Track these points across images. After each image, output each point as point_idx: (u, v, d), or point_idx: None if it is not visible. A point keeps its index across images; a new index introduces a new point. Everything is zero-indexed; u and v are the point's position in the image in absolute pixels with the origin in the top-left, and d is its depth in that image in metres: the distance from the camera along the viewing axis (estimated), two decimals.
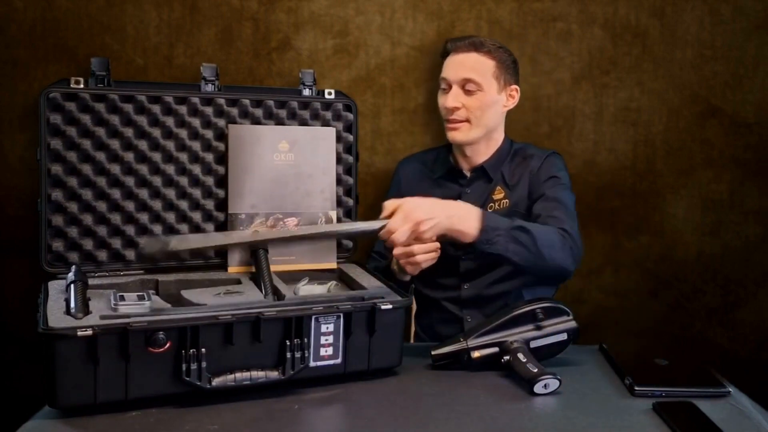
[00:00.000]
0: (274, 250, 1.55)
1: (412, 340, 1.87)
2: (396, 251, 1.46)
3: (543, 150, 1.73)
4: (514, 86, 1.69)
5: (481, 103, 1.63)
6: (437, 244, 1.48)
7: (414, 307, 1.85)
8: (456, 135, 1.66)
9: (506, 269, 1.64)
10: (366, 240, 1.89)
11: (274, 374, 1.25)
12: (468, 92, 1.63)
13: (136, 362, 1.17)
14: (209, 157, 1.57)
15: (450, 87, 1.64)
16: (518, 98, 1.71)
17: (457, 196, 1.68)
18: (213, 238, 1.53)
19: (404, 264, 1.49)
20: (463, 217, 1.41)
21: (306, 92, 1.67)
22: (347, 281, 1.56)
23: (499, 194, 1.67)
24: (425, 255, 1.47)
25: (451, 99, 1.63)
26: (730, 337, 2.05)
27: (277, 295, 1.39)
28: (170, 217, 1.55)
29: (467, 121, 1.64)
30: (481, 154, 1.71)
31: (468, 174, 1.72)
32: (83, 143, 1.48)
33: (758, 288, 2.04)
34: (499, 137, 1.73)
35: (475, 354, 1.36)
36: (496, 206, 1.66)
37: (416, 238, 1.38)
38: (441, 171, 1.75)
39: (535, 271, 1.49)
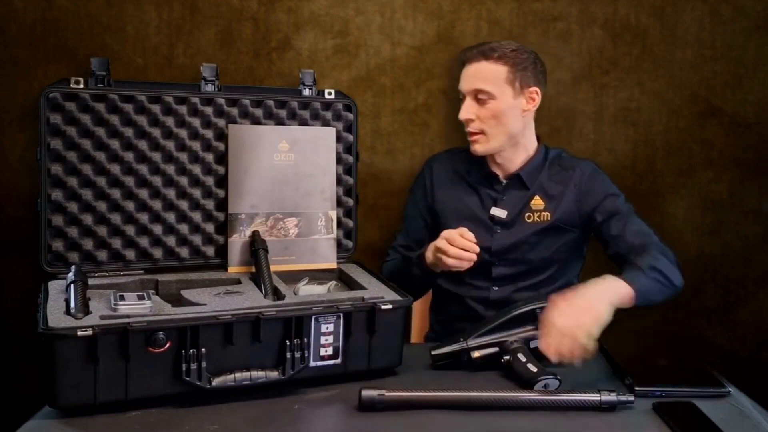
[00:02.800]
0: (274, 250, 1.55)
1: (419, 339, 1.86)
2: (450, 250, 1.47)
3: (579, 160, 1.69)
4: (534, 88, 1.61)
5: (493, 112, 1.59)
6: (477, 248, 1.48)
7: (423, 305, 1.85)
8: (476, 147, 1.62)
9: (537, 278, 1.64)
10: (366, 239, 1.89)
11: (274, 374, 1.25)
12: (481, 102, 1.59)
13: (136, 362, 1.17)
14: (209, 157, 1.57)
15: (464, 98, 1.61)
16: (539, 100, 1.63)
17: (492, 203, 1.66)
18: None
19: (443, 258, 1.48)
20: (612, 292, 1.36)
21: (306, 92, 1.66)
22: (347, 281, 1.56)
23: (537, 204, 1.64)
24: (467, 256, 1.47)
25: (463, 111, 1.60)
26: (729, 337, 2.05)
27: (277, 295, 1.39)
28: (170, 217, 1.55)
29: (482, 132, 1.60)
30: (514, 161, 1.66)
31: (503, 181, 1.67)
32: (83, 143, 1.47)
33: (758, 288, 2.04)
34: (528, 143, 1.67)
35: (475, 354, 1.36)
36: (536, 217, 1.63)
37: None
38: (477, 175, 1.70)
39: (669, 300, 1.51)
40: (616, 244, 1.56)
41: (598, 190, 1.63)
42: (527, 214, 1.63)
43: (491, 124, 1.60)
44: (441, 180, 1.74)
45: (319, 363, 1.30)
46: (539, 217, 1.63)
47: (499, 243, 1.63)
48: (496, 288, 1.66)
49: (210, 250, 1.58)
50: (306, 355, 1.27)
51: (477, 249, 1.48)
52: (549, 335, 1.26)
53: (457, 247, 1.47)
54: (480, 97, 1.58)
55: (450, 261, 1.48)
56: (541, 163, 1.67)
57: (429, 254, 1.55)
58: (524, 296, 1.62)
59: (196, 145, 1.56)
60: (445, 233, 1.49)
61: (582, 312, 1.28)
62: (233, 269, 1.55)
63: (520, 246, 1.63)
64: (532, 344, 1.37)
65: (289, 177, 1.59)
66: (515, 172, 1.66)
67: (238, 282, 1.49)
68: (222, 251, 1.57)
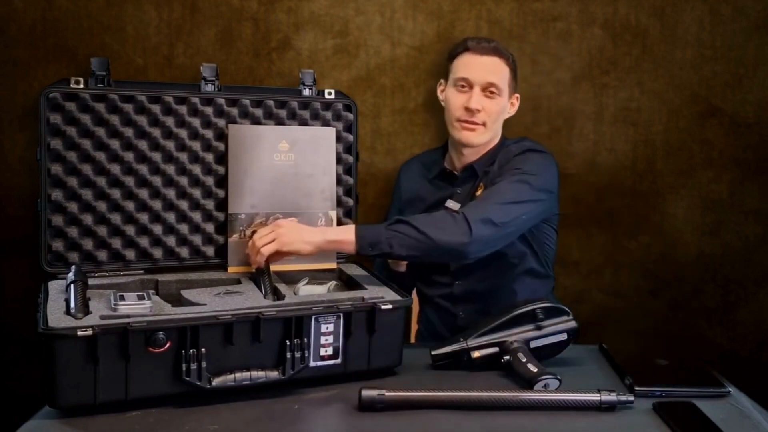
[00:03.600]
0: None
1: (413, 340, 1.87)
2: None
3: (525, 144, 1.67)
4: (517, 95, 1.72)
5: (499, 107, 1.64)
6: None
7: (416, 308, 1.86)
8: (471, 137, 1.64)
9: (496, 265, 1.63)
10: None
11: (274, 374, 1.25)
12: (489, 96, 1.62)
13: (136, 362, 1.17)
14: (209, 157, 1.57)
15: (470, 87, 1.63)
16: (518, 106, 1.73)
17: (449, 196, 1.69)
18: None
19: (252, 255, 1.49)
20: (339, 241, 1.45)
21: (306, 92, 1.66)
22: (347, 281, 1.56)
23: (480, 191, 1.65)
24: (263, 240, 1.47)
25: (475, 100, 1.61)
26: (729, 337, 2.05)
27: (277, 295, 1.39)
28: (170, 217, 1.55)
29: (483, 124, 1.63)
30: (476, 154, 1.70)
31: (460, 174, 1.72)
32: (83, 143, 1.47)
33: (758, 288, 2.04)
34: (494, 142, 1.71)
35: (475, 354, 1.36)
36: None
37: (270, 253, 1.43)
38: (435, 172, 1.76)
39: (433, 257, 1.49)
40: None
41: (511, 164, 1.61)
42: None
43: (493, 119, 1.65)
44: (408, 181, 1.80)
45: (319, 363, 1.30)
46: None
47: None
48: (458, 282, 1.68)
49: (210, 250, 1.58)
50: (306, 355, 1.27)
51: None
52: (262, 232, 1.43)
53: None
54: (491, 90, 1.62)
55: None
56: (495, 154, 1.69)
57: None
58: (486, 287, 1.65)
59: (196, 145, 1.56)
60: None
61: (295, 231, 1.45)
62: (233, 269, 1.55)
63: None
64: (532, 344, 1.37)
65: (289, 177, 1.59)
66: (470, 164, 1.70)
67: (238, 282, 1.49)
68: (222, 251, 1.57)
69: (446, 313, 1.71)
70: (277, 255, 1.44)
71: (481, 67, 1.63)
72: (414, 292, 1.84)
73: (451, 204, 1.67)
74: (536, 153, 1.64)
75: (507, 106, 1.68)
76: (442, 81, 1.74)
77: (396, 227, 1.44)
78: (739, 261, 2.03)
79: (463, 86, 1.64)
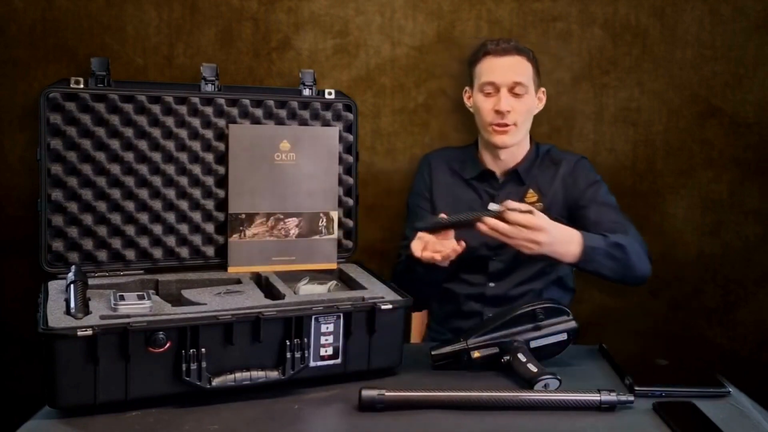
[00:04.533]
0: (274, 251, 1.55)
1: (413, 340, 1.87)
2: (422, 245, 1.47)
3: (568, 153, 1.75)
4: (542, 89, 1.73)
5: (527, 106, 1.65)
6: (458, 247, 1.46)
7: (419, 324, 1.86)
8: (506, 138, 1.65)
9: (533, 271, 1.67)
10: (366, 239, 1.89)
11: (274, 374, 1.25)
12: (516, 95, 1.63)
13: (136, 362, 1.17)
14: (209, 157, 1.57)
15: (497, 90, 1.63)
16: (545, 100, 1.73)
17: (489, 199, 1.68)
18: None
19: (430, 255, 1.46)
20: (565, 241, 1.44)
21: (306, 92, 1.66)
22: (347, 281, 1.56)
23: (531, 198, 1.67)
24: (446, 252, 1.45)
25: (505, 102, 1.61)
26: (730, 337, 2.05)
27: (277, 294, 1.39)
28: (170, 217, 1.55)
29: (515, 125, 1.64)
30: (514, 157, 1.71)
31: (501, 177, 1.72)
32: (83, 143, 1.47)
33: (758, 288, 2.04)
34: (527, 140, 1.73)
35: (475, 354, 1.36)
36: None
37: (508, 243, 1.41)
38: (473, 173, 1.74)
39: (622, 282, 1.55)
40: (597, 229, 1.56)
41: (582, 178, 1.67)
42: None
43: (523, 118, 1.66)
44: (438, 176, 1.77)
45: (319, 363, 1.30)
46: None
47: None
48: (492, 284, 1.69)
49: (210, 250, 1.58)
50: (306, 355, 1.27)
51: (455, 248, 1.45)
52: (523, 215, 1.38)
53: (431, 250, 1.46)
54: (517, 90, 1.63)
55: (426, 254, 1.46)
56: (533, 158, 1.72)
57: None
58: (517, 292, 1.66)
59: (196, 145, 1.56)
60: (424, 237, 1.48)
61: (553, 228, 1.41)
62: (233, 269, 1.55)
63: None
64: (532, 344, 1.37)
65: (290, 177, 1.59)
66: (512, 168, 1.71)
67: (238, 282, 1.49)
68: (222, 251, 1.57)
69: (471, 313, 1.70)
70: None
71: (505, 69, 1.63)
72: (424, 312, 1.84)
73: (494, 207, 1.64)
74: (586, 160, 1.74)
75: (535, 102, 1.69)
76: (467, 88, 1.74)
77: (614, 251, 1.47)
78: (739, 261, 2.03)
79: (489, 91, 1.64)
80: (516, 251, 1.60)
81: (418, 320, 1.90)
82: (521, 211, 1.39)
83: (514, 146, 1.69)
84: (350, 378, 1.32)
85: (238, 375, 1.22)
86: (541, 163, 1.72)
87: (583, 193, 1.66)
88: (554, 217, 1.59)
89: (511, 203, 1.41)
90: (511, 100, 1.63)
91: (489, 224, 1.39)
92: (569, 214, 1.66)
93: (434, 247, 1.46)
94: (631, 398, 1.21)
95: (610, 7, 1.94)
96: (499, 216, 1.40)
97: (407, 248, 1.67)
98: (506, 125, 1.63)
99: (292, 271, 1.56)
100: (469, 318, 1.70)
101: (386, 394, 1.18)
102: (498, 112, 1.63)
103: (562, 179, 1.68)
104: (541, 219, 1.40)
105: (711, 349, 2.02)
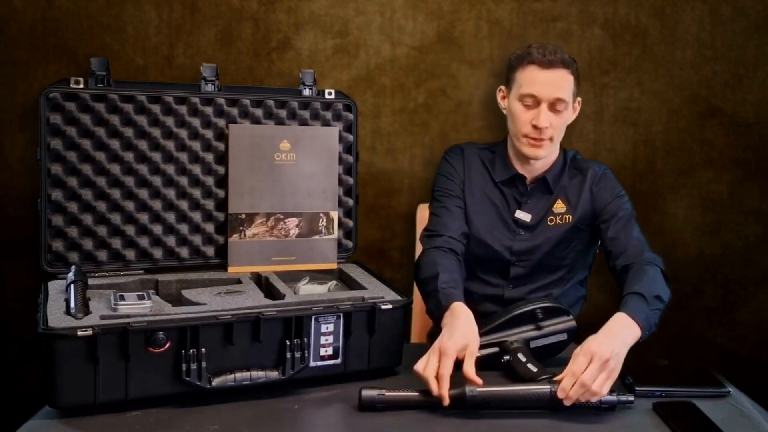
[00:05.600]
0: (274, 251, 1.55)
1: (412, 340, 1.86)
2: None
3: (593, 163, 1.69)
4: (579, 98, 1.64)
5: (564, 121, 1.59)
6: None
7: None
8: (539, 153, 1.59)
9: (552, 278, 1.65)
10: (366, 239, 1.89)
11: (274, 374, 1.25)
12: (556, 111, 1.56)
13: (136, 362, 1.17)
14: (209, 157, 1.57)
15: (537, 104, 1.55)
16: (579, 109, 1.65)
17: (516, 205, 1.64)
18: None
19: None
20: (629, 334, 1.31)
21: (306, 92, 1.66)
22: (347, 281, 1.56)
23: (560, 207, 1.64)
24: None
25: (544, 118, 1.54)
26: (730, 337, 2.05)
27: (277, 294, 1.39)
28: (170, 217, 1.55)
29: (550, 139, 1.58)
30: (544, 163, 1.65)
31: (529, 184, 1.66)
32: (83, 143, 1.48)
33: (758, 288, 2.04)
34: (557, 148, 1.67)
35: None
36: (558, 220, 1.63)
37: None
38: (503, 175, 1.67)
39: None
40: (613, 245, 1.56)
41: (609, 190, 1.64)
42: (550, 218, 1.63)
43: (559, 133, 1.60)
44: (472, 170, 1.69)
45: (319, 363, 1.30)
46: (561, 219, 1.63)
47: (520, 245, 1.63)
48: (512, 287, 1.66)
49: (210, 250, 1.58)
50: (306, 355, 1.27)
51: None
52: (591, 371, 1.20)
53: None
54: (558, 107, 1.55)
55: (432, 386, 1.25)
56: (562, 165, 1.67)
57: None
58: (537, 296, 1.63)
59: (196, 145, 1.56)
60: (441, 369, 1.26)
61: (611, 339, 1.26)
62: (233, 269, 1.55)
63: (541, 248, 1.63)
64: (532, 344, 1.37)
65: (290, 177, 1.59)
66: (541, 175, 1.65)
67: (238, 282, 1.49)
68: (222, 251, 1.57)
69: (485, 313, 1.62)
70: None
71: (549, 83, 1.54)
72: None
73: (521, 215, 1.63)
74: (607, 169, 1.68)
75: (572, 114, 1.62)
76: (502, 87, 1.66)
77: (658, 306, 1.40)
78: (739, 261, 2.03)
79: (528, 103, 1.57)
80: (539, 257, 1.62)
81: (418, 319, 1.90)
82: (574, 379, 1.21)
83: (546, 158, 1.63)
84: (350, 378, 1.32)
85: (238, 375, 1.22)
86: (568, 171, 1.67)
87: (606, 206, 1.62)
88: (582, 229, 1.61)
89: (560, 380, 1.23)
90: (550, 116, 1.55)
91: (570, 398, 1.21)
92: (592, 223, 1.64)
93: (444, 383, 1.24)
94: (631, 398, 1.21)
95: (610, 7, 1.94)
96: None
97: (431, 239, 1.59)
98: (542, 140, 1.57)
99: (292, 271, 1.56)
100: (481, 317, 1.68)
101: (386, 394, 1.18)
102: (536, 128, 1.56)
103: (590, 190, 1.64)
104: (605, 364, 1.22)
105: (711, 349, 2.02)
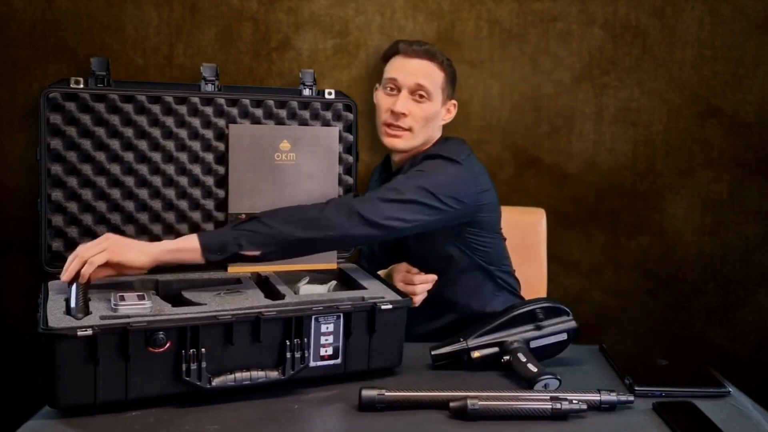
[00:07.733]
0: None
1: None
2: (397, 277, 1.55)
3: (440, 149, 1.60)
4: (453, 101, 1.64)
5: (426, 113, 1.57)
6: (434, 277, 1.55)
7: None
8: (397, 142, 1.59)
9: (428, 268, 1.59)
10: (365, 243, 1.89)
11: (274, 374, 1.24)
12: (417, 100, 1.56)
13: (136, 362, 1.17)
14: (209, 157, 1.57)
15: (398, 90, 1.57)
16: (455, 113, 1.64)
17: None
18: None
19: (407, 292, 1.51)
20: (181, 250, 1.34)
21: (306, 92, 1.66)
22: (347, 281, 1.56)
23: None
24: (423, 286, 1.53)
25: (401, 104, 1.55)
26: (730, 337, 2.05)
27: (277, 294, 1.39)
28: (170, 217, 1.55)
29: (410, 130, 1.57)
30: (408, 156, 1.63)
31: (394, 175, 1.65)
32: (83, 143, 1.47)
33: (758, 288, 2.04)
34: (427, 146, 1.63)
35: (475, 354, 1.36)
36: None
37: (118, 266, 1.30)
38: (386, 173, 1.71)
39: (318, 248, 1.45)
40: None
41: (419, 165, 1.56)
42: None
43: (420, 125, 1.58)
44: (372, 185, 1.79)
45: (319, 363, 1.30)
46: None
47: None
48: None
49: None
50: (306, 355, 1.27)
51: (431, 278, 1.55)
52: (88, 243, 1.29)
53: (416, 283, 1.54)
54: (420, 94, 1.56)
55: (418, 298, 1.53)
56: (420, 157, 1.61)
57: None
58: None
59: (196, 145, 1.56)
60: (399, 277, 1.56)
61: (127, 241, 1.32)
62: (233, 269, 1.55)
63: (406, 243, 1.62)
64: (532, 344, 1.37)
65: (290, 177, 1.59)
66: (401, 165, 1.64)
67: (238, 282, 1.49)
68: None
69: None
70: (107, 267, 1.30)
71: (411, 69, 1.56)
72: None
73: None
74: (444, 160, 1.55)
75: (440, 112, 1.60)
76: (377, 85, 1.67)
77: (245, 225, 1.36)
78: (739, 261, 2.03)
79: (391, 88, 1.58)
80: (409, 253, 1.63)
81: None
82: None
83: (409, 151, 1.60)
84: (350, 378, 1.32)
85: (238, 375, 1.22)
86: (418, 157, 1.60)
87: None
88: None
89: None
90: (410, 103, 1.56)
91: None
92: None
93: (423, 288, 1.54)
94: (631, 398, 1.21)
95: (610, 7, 1.94)
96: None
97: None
98: (400, 128, 1.57)
99: (292, 271, 1.56)
100: (483, 319, 1.63)
101: (386, 394, 1.18)
102: (393, 113, 1.56)
103: (410, 166, 1.59)
104: (105, 239, 1.31)
105: (711, 349, 2.03)
